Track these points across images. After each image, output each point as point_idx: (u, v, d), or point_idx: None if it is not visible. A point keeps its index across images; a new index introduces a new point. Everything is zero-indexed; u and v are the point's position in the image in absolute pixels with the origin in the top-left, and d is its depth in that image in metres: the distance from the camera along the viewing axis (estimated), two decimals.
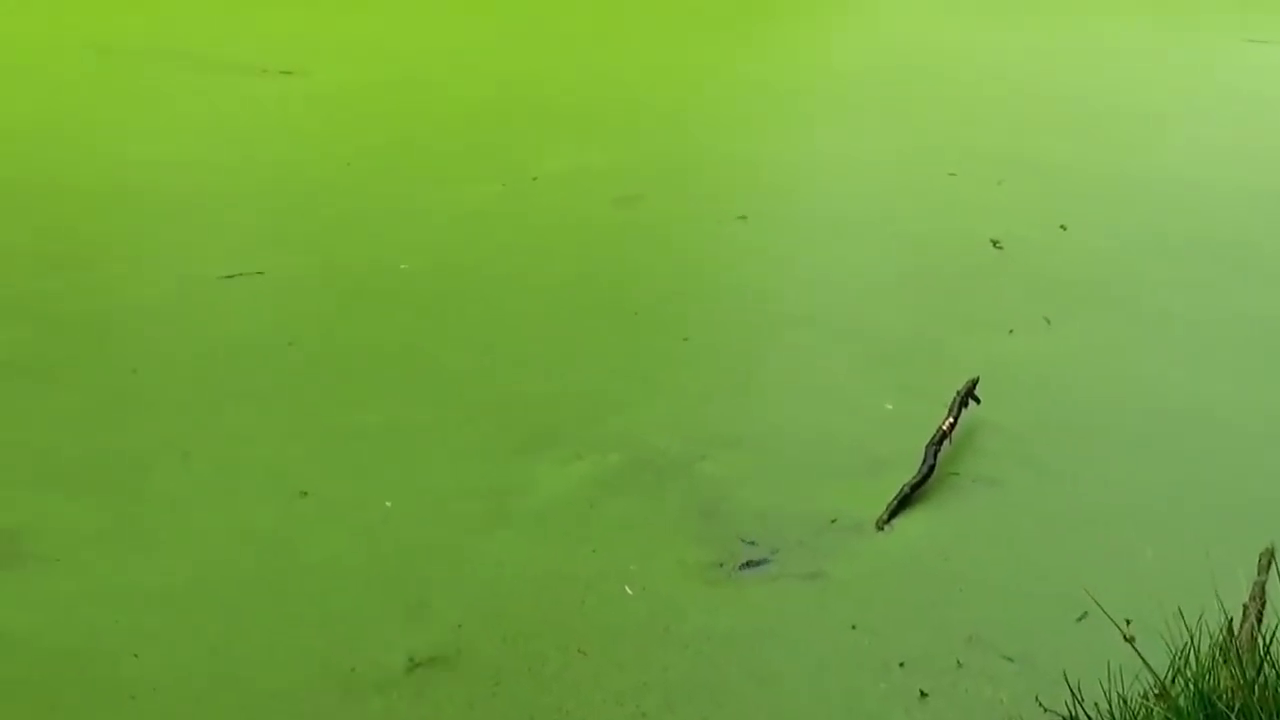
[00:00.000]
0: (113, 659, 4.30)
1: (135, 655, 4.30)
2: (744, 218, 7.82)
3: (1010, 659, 4.21)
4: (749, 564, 4.72)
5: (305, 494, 5.13)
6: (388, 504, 5.07)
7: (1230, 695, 3.32)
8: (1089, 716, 3.64)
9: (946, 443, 5.29)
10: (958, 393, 5.48)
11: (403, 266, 7.26)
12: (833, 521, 4.93)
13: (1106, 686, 3.65)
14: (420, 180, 8.57)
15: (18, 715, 4.10)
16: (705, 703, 4.08)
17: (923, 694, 4.09)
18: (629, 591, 4.59)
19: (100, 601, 4.56)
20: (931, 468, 5.14)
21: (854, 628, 4.39)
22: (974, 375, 5.59)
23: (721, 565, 4.71)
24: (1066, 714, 3.86)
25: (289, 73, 10.49)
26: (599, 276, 7.12)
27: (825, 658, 4.27)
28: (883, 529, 4.90)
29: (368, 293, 7.01)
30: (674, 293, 6.92)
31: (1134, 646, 3.40)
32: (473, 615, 4.49)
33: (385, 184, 8.51)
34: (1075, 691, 3.83)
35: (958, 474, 5.21)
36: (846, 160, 8.96)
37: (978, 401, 5.53)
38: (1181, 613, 3.75)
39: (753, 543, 4.81)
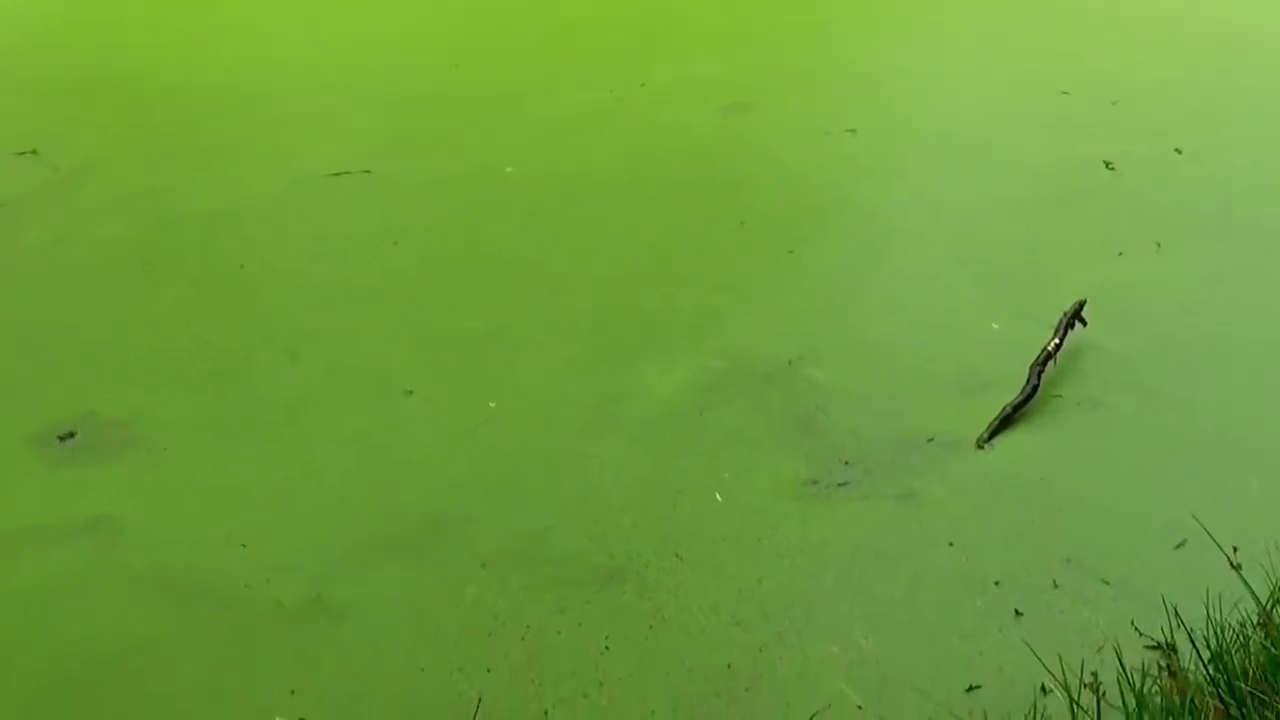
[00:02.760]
0: (219, 550, 4.39)
1: (243, 545, 4.39)
2: (853, 131, 7.75)
3: (1107, 582, 4.19)
4: (845, 480, 4.72)
5: (410, 393, 5.20)
6: (491, 405, 5.12)
7: None
8: (1191, 643, 3.63)
9: (1051, 364, 5.24)
10: (1064, 314, 5.43)
11: (508, 170, 7.27)
12: (930, 440, 4.91)
13: (1205, 614, 3.63)
14: (527, 85, 8.56)
15: (129, 600, 4.20)
16: (799, 614, 4.10)
17: (1018, 613, 4.08)
18: (719, 499, 4.61)
19: (207, 494, 4.66)
20: (1035, 388, 5.10)
21: (950, 545, 4.38)
22: (1081, 297, 5.54)
23: (816, 482, 4.71)
24: (1163, 640, 3.86)
25: None
26: (706, 185, 7.09)
27: (920, 574, 4.26)
28: (982, 448, 4.88)
29: (473, 195, 7.04)
30: (781, 204, 6.88)
31: (1240, 574, 3.38)
32: (567, 517, 4.54)
33: (492, 88, 8.52)
34: (1173, 617, 3.83)
35: (1061, 396, 5.17)
36: (959, 75, 8.83)
37: (1084, 324, 5.47)
38: None
39: (848, 461, 4.80)
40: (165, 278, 6.14)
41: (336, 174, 7.15)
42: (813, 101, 8.34)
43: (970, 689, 3.80)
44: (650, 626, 4.07)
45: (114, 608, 4.16)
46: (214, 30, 9.54)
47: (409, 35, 9.57)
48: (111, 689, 3.85)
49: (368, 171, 7.18)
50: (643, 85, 8.48)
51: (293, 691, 3.84)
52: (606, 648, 3.99)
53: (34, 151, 7.50)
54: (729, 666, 3.91)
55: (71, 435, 4.94)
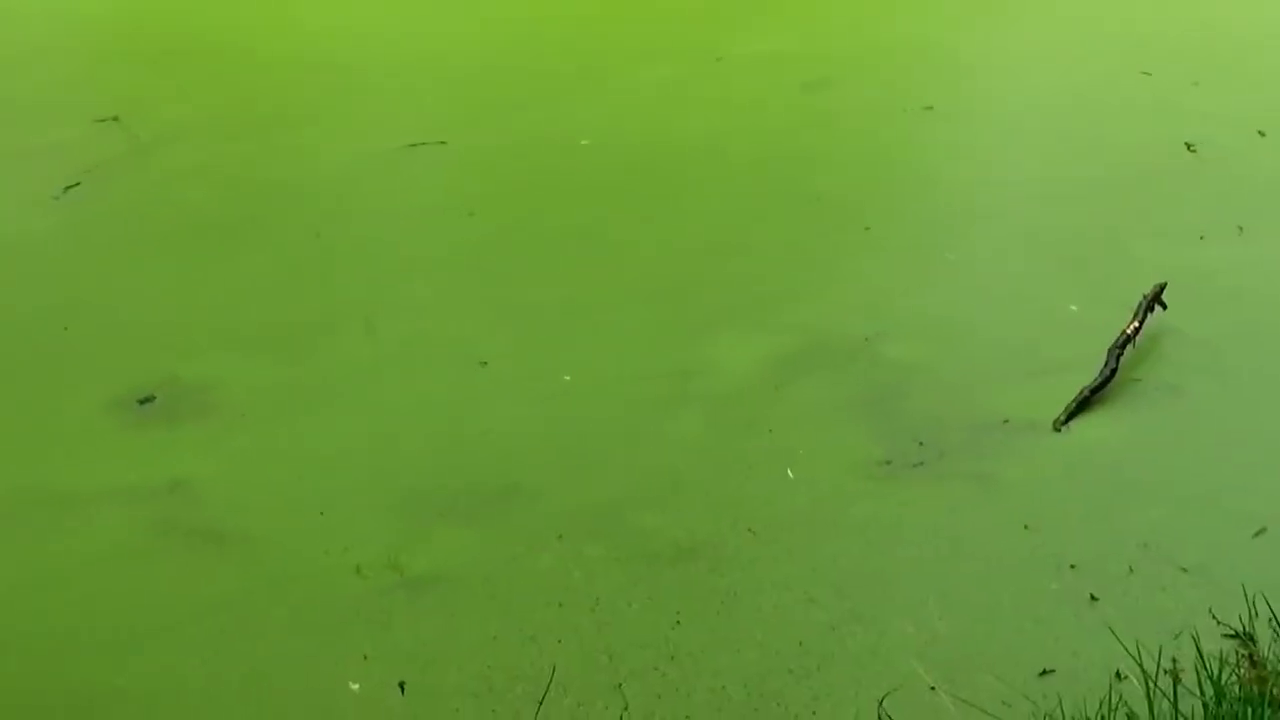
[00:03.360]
0: (296, 515, 4.43)
1: (320, 514, 4.42)
2: (930, 108, 7.70)
3: (1184, 569, 4.15)
4: (920, 460, 4.70)
5: (485, 364, 5.22)
6: (566, 378, 5.14)
7: None
8: (1273, 632, 3.60)
9: (1130, 347, 5.20)
10: (1144, 297, 5.38)
11: (584, 142, 7.28)
12: (1005, 421, 4.88)
13: None
14: (604, 57, 8.55)
15: (205, 564, 4.24)
16: (874, 593, 4.09)
17: (1093, 598, 4.05)
18: (790, 476, 4.60)
19: (284, 460, 4.71)
20: (1113, 372, 5.06)
21: (1026, 528, 4.35)
22: (1161, 280, 5.48)
23: (890, 462, 4.69)
24: (1241, 628, 3.83)
25: None
26: (782, 161, 7.06)
27: (995, 556, 4.24)
28: (1059, 431, 4.84)
29: (548, 167, 7.05)
30: (857, 181, 6.86)
31: None
32: (641, 490, 4.54)
33: (569, 60, 8.51)
34: (1252, 605, 3.80)
35: (1139, 380, 5.12)
36: (1037, 54, 8.75)
37: (1164, 307, 5.42)
38: None
39: (922, 442, 4.78)
40: (243, 245, 6.19)
41: (413, 144, 7.17)
42: (890, 78, 8.29)
43: (1044, 673, 3.78)
44: (722, 602, 4.07)
45: (191, 571, 4.20)
46: (293, 0, 9.58)
47: (487, 7, 9.57)
48: (187, 651, 3.89)
49: (443, 142, 7.20)
50: (719, 60, 8.45)
51: (365, 657, 3.87)
52: (678, 622, 3.99)
53: (115, 119, 7.56)
54: (801, 644, 3.91)
55: (151, 399, 4.99)
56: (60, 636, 3.94)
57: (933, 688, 3.73)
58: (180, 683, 3.78)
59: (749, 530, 4.35)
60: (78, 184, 6.77)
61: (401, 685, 3.76)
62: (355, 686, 3.77)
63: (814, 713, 3.69)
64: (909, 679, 3.76)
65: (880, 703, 3.67)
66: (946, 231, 6.36)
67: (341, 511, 4.43)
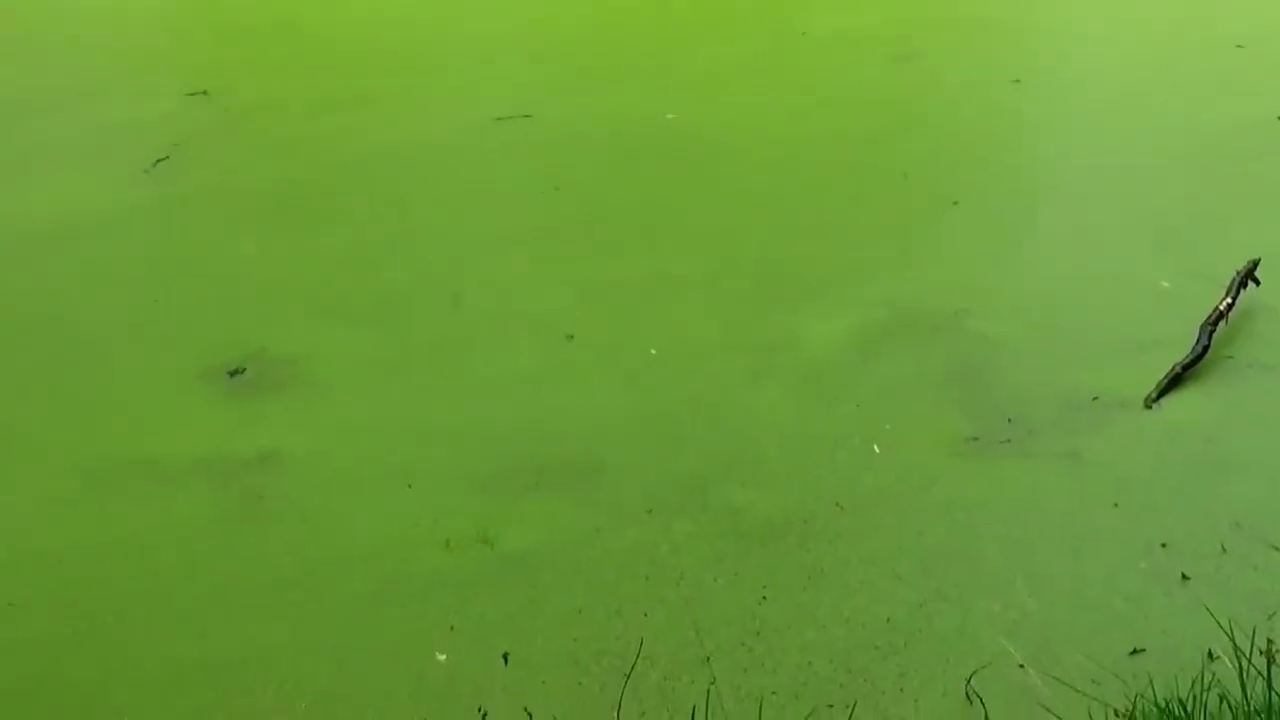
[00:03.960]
0: (384, 487, 4.45)
1: (408, 488, 4.45)
2: (1018, 81, 7.64)
3: (1277, 548, 4.10)
4: (1008, 438, 4.66)
5: (571, 338, 5.23)
6: (652, 352, 5.14)
7: None
8: None
9: (1222, 324, 5.13)
10: (1237, 273, 5.31)
11: (669, 117, 7.27)
12: (1095, 398, 4.83)
13: None
14: (689, 31, 8.55)
15: (291, 532, 4.27)
16: (960, 571, 4.06)
17: (1184, 577, 4.00)
18: (876, 451, 4.58)
19: (373, 432, 4.73)
20: (1205, 348, 5.00)
21: (1115, 506, 4.31)
22: (1255, 257, 5.41)
23: (977, 439, 4.65)
24: None
25: None
26: (868, 135, 7.03)
27: (1084, 534, 4.20)
28: (1150, 408, 4.79)
29: (633, 141, 7.05)
30: (945, 156, 6.81)
31: None
32: (726, 465, 4.53)
33: (655, 34, 8.51)
34: None
35: (1232, 357, 5.06)
36: (1128, 27, 8.66)
37: (1257, 283, 5.35)
38: None
39: (1010, 419, 4.74)
40: (330, 218, 6.23)
41: (499, 119, 7.19)
42: (977, 52, 8.24)
43: (1134, 652, 3.74)
44: (809, 577, 4.06)
45: (279, 541, 4.23)
46: None
47: None
48: (274, 620, 3.92)
49: (529, 116, 7.21)
50: (804, 34, 8.42)
51: (452, 628, 3.88)
52: (764, 597, 3.98)
53: (204, 92, 7.63)
54: (888, 620, 3.89)
55: (240, 371, 5.03)
56: (150, 604, 3.98)
57: (1021, 666, 3.70)
58: (267, 651, 3.80)
59: (836, 505, 4.33)
60: (168, 157, 6.84)
61: (505, 656, 3.77)
62: (442, 657, 3.79)
63: (901, 689, 3.67)
64: (997, 657, 3.73)
65: (968, 680, 3.65)
66: (1036, 206, 6.31)
67: (429, 484, 4.45)
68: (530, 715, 3.54)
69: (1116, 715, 3.50)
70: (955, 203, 6.25)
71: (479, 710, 3.58)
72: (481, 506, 4.34)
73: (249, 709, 3.60)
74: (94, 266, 5.88)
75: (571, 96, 7.52)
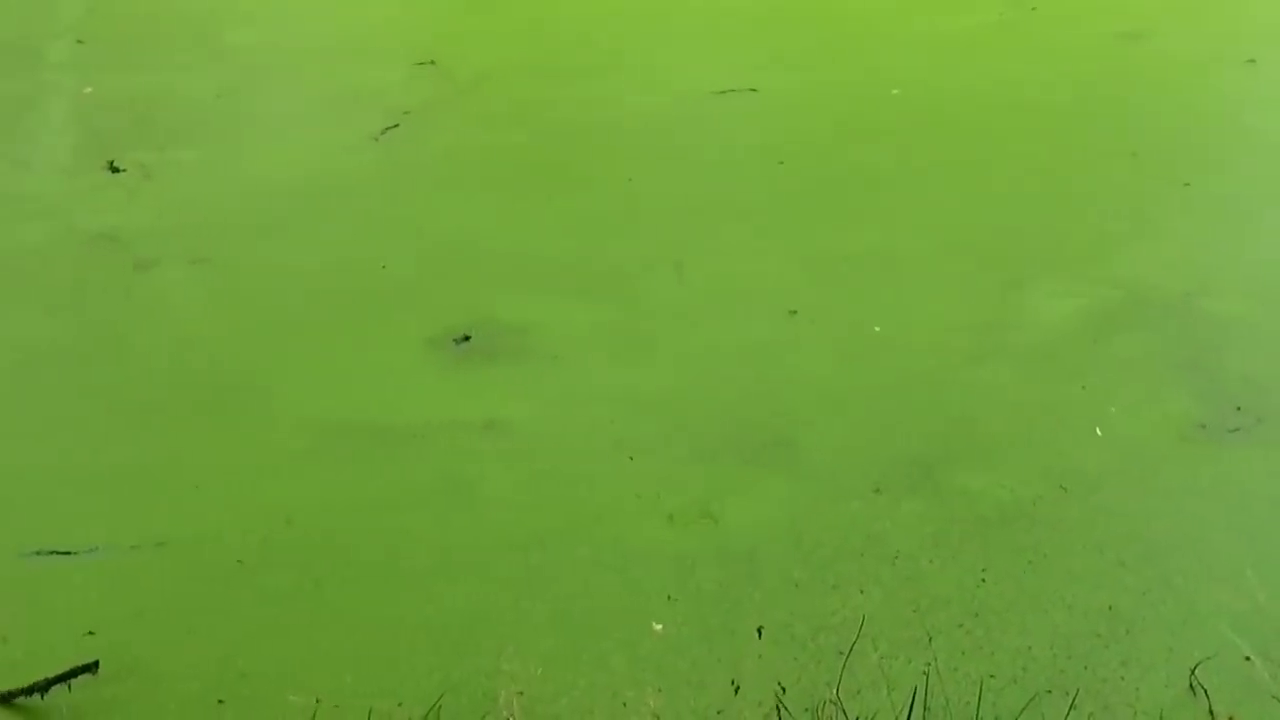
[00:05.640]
0: (608, 458, 4.50)
1: (630, 458, 4.49)
2: (1253, 61, 7.43)
3: None
4: (1237, 426, 4.55)
5: (794, 313, 5.23)
6: (876, 329, 5.12)
7: None
8: None
9: None
10: None
11: (894, 92, 7.22)
12: None
13: None
14: (915, 4, 8.46)
15: (516, 499, 4.34)
16: (1187, 559, 3.99)
17: None
18: (1099, 434, 4.51)
19: (598, 402, 4.78)
20: None
21: None
22: None
23: (1206, 426, 4.55)
24: None
25: None
26: (1096, 113, 6.91)
27: None
28: None
29: (858, 116, 7.01)
30: (1176, 135, 6.67)
31: None
32: (949, 444, 4.50)
33: (880, 7, 8.45)
34: None
35: None
36: None
37: None
38: None
39: (1240, 407, 4.63)
40: (556, 188, 6.30)
41: (722, 91, 7.20)
42: (1210, 29, 8.03)
43: None
44: (1030, 560, 4.02)
45: (503, 508, 4.30)
46: None
47: None
48: (497, 584, 3.98)
49: (754, 90, 7.21)
50: (1034, 9, 8.29)
51: (670, 598, 3.91)
52: (983, 579, 3.95)
53: (432, 62, 7.76)
54: (1110, 607, 3.83)
55: (467, 339, 5.11)
56: (376, 565, 4.07)
57: (1248, 658, 3.62)
58: (489, 614, 3.87)
59: (1060, 488, 4.28)
60: (396, 125, 6.97)
61: (759, 630, 3.78)
62: (659, 627, 3.82)
63: (1122, 678, 3.62)
64: (1223, 648, 3.66)
65: (1192, 671, 3.58)
66: (1270, 188, 6.13)
67: (651, 456, 4.49)
68: (738, 688, 3.56)
69: None
70: (1186, 184, 6.11)
71: (690, 676, 3.61)
72: (703, 478, 4.37)
73: (472, 671, 3.66)
74: (324, 231, 6.01)
75: (796, 70, 7.50)
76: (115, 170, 6.50)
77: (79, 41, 8.29)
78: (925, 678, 3.59)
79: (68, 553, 4.08)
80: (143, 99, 7.40)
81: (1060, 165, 6.35)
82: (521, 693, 3.58)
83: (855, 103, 7.12)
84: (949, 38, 7.93)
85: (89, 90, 7.56)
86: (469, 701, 3.56)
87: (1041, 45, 7.80)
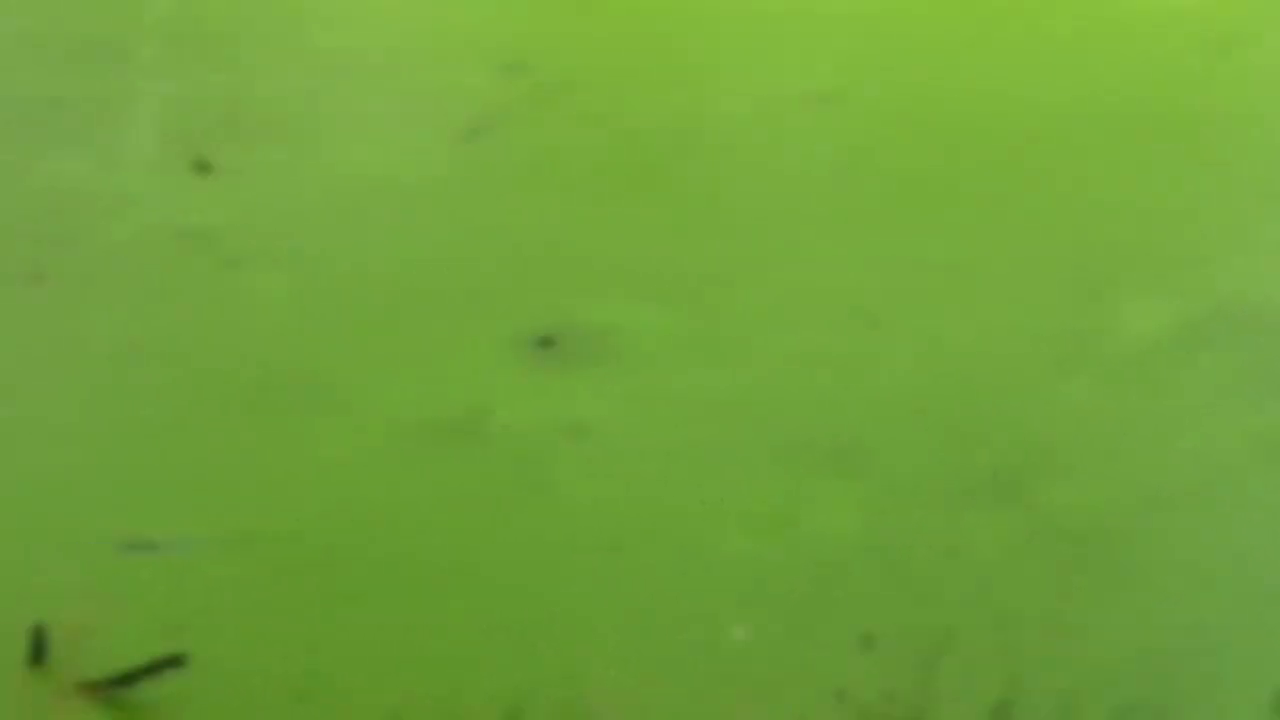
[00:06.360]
0: (692, 463, 4.50)
1: (713, 464, 4.48)
2: None
3: None
4: None
5: (875, 320, 5.21)
6: (960, 338, 5.09)
7: None
8: None
9: None
10: None
11: (980, 97, 7.17)
12: None
13: None
14: (1005, 9, 8.41)
15: (596, 503, 4.36)
16: (1275, 576, 3.96)
17: None
18: (1189, 448, 4.47)
19: (682, 406, 4.78)
20: None
21: None
22: None
23: None
24: None
25: None
26: (1191, 121, 6.83)
27: None
28: None
29: (943, 121, 6.96)
30: (1271, 144, 6.58)
31: None
32: (1032, 459, 4.47)
33: (969, 14, 8.39)
34: None
35: None
36: None
37: None
38: None
39: None
40: (640, 192, 6.30)
41: (807, 96, 7.17)
42: None
43: None
44: (1115, 576, 3.99)
45: (584, 511, 4.31)
46: None
47: None
48: (577, 585, 4.00)
49: (839, 95, 7.18)
50: (1123, 14, 8.21)
51: (748, 604, 3.90)
52: (1066, 593, 3.92)
53: (520, 64, 7.77)
54: (1197, 624, 3.80)
55: (550, 342, 5.12)
56: (457, 562, 4.10)
57: None
58: (568, 618, 3.88)
59: (1146, 502, 4.24)
60: (483, 128, 6.99)
61: (867, 637, 3.77)
62: (738, 633, 3.82)
63: (1209, 697, 3.60)
64: None
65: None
66: None
67: (731, 462, 4.49)
68: (816, 696, 3.56)
69: None
70: None
71: (771, 684, 3.61)
72: (782, 485, 4.37)
73: (551, 675, 3.67)
74: (409, 231, 6.04)
75: (884, 77, 7.46)
76: (203, 168, 6.56)
77: (167, 39, 8.37)
78: (1007, 692, 3.56)
79: (154, 546, 4.13)
80: (231, 97, 7.46)
81: (1149, 174, 6.30)
82: (599, 697, 3.59)
83: (939, 107, 7.07)
84: (1040, 43, 7.87)
85: (178, 88, 7.63)
86: (547, 705, 3.57)
87: (1133, 52, 7.71)
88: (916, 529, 4.18)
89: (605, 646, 3.77)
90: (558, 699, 3.59)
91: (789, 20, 8.34)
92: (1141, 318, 5.18)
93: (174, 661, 3.63)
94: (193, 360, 5.10)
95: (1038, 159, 6.51)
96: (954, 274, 5.51)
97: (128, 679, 3.59)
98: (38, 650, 3.67)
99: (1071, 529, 4.15)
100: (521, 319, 5.26)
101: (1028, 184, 6.23)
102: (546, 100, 7.32)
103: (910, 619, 3.83)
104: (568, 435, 4.63)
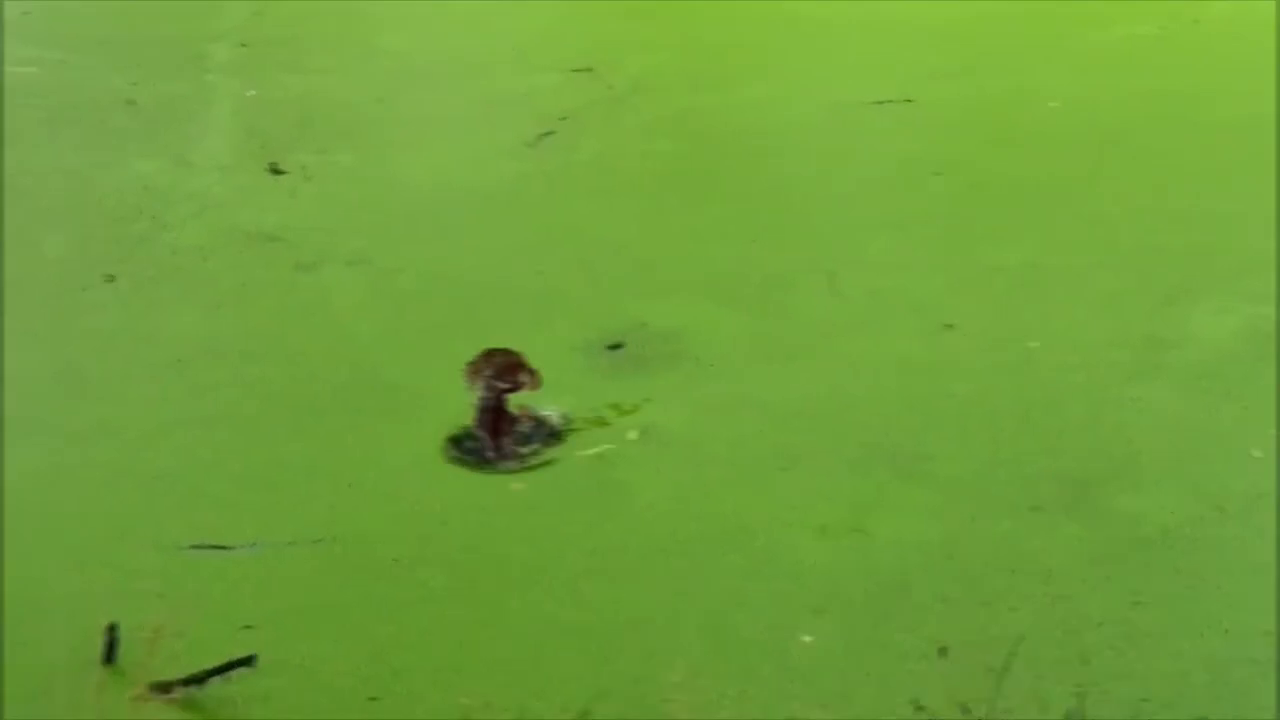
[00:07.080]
0: (762, 468, 4.49)
1: (783, 469, 4.48)
2: None
3: None
4: None
5: (950, 327, 5.19)
6: (1032, 344, 5.06)
7: None
8: None
9: None
10: None
11: (1051, 104, 7.15)
12: None
13: None
14: (1073, 18, 8.38)
15: (667, 505, 4.35)
16: None
17: None
18: (1257, 455, 4.43)
19: (752, 410, 4.78)
20: None
21: None
22: None
23: None
24: None
25: None
26: (1259, 128, 6.77)
27: None
28: None
29: (1015, 128, 6.96)
30: None
31: None
32: (1106, 464, 4.44)
33: (1038, 18, 8.37)
34: None
35: None
36: None
37: None
38: None
39: None
40: (709, 195, 6.32)
41: (878, 101, 7.17)
42: None
43: None
44: (1186, 584, 3.95)
45: (653, 514, 4.31)
46: None
47: None
48: (648, 590, 4.00)
49: (909, 100, 7.18)
50: (1196, 22, 8.16)
51: (819, 610, 3.89)
52: (1138, 601, 3.89)
53: (590, 69, 7.80)
54: (1269, 633, 3.75)
55: (620, 345, 5.13)
56: (528, 567, 4.10)
57: None
58: (639, 620, 3.89)
59: (1219, 510, 4.21)
60: (552, 132, 7.02)
61: (942, 649, 3.75)
62: (808, 639, 3.81)
63: None
64: None
65: None
66: None
67: (803, 466, 4.48)
68: (886, 703, 3.54)
69: None
70: None
71: (843, 692, 3.60)
72: (854, 490, 4.36)
73: (622, 677, 3.68)
74: (479, 235, 6.08)
75: (954, 81, 7.45)
76: (277, 172, 6.62)
77: (242, 44, 8.44)
78: (1078, 700, 3.54)
79: (226, 547, 4.16)
80: (304, 102, 7.53)
81: (1222, 179, 6.26)
82: (670, 700, 3.59)
83: (1011, 113, 7.07)
84: (1108, 49, 7.85)
85: (252, 93, 7.70)
86: (618, 707, 3.58)
87: (1203, 58, 7.68)
88: (988, 536, 4.16)
89: (675, 649, 3.76)
90: (628, 702, 3.60)
91: (859, 29, 8.35)
92: (1214, 325, 5.14)
93: (244, 662, 3.67)
94: (265, 362, 5.15)
95: (1112, 166, 6.48)
96: (1026, 280, 5.49)
97: (199, 678, 3.62)
98: (110, 649, 3.72)
99: (1143, 537, 4.12)
100: (591, 323, 5.28)
101: (1102, 190, 6.20)
102: (616, 104, 7.35)
103: (983, 627, 3.81)
104: (638, 438, 4.63)
